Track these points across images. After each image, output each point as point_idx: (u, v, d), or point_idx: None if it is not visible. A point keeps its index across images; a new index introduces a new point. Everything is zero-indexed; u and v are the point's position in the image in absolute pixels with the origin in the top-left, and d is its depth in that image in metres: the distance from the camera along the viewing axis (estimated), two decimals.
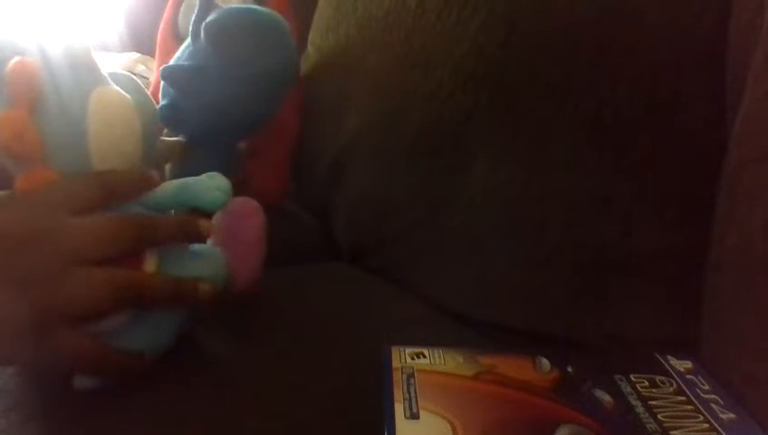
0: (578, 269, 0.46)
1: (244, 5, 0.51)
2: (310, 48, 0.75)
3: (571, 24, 0.46)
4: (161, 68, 0.50)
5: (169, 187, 0.42)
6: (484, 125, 0.51)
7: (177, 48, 0.61)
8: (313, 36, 0.75)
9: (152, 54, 0.95)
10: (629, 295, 0.44)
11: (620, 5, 0.45)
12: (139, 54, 0.92)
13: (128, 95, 0.41)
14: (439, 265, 0.54)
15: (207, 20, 0.48)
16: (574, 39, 0.46)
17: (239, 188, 0.45)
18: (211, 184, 0.42)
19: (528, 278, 0.48)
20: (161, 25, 0.72)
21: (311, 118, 0.70)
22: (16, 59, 0.37)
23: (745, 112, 0.34)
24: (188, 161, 0.54)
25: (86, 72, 0.39)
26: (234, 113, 0.51)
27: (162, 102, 0.52)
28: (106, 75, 0.41)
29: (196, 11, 0.51)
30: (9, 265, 0.33)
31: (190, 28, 0.51)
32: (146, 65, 0.87)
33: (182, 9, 0.68)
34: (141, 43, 1.05)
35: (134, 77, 0.45)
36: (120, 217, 0.38)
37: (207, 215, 0.44)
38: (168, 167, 0.56)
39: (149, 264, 0.39)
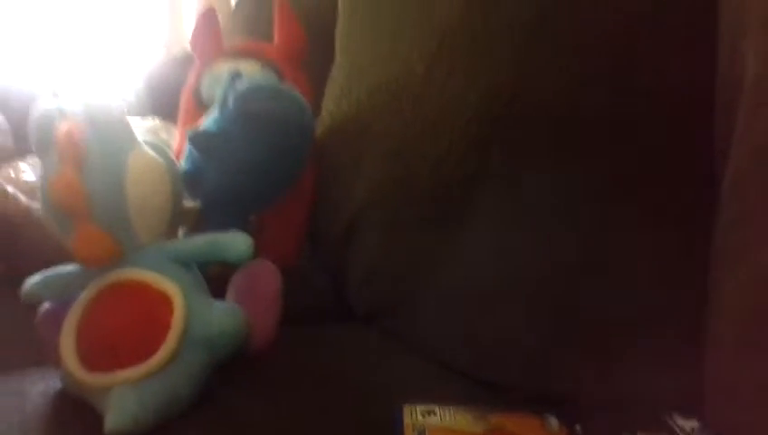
0: (582, 328, 0.47)
1: (268, 81, 0.54)
2: (324, 113, 0.78)
3: (571, 94, 0.49)
4: (189, 132, 0.54)
5: (198, 240, 0.46)
6: (491, 188, 0.53)
7: (200, 115, 0.64)
8: (327, 102, 0.78)
9: (171, 119, 1.00)
10: (634, 353, 0.44)
11: (618, 63, 0.48)
12: (159, 120, 0.96)
13: (160, 158, 0.45)
14: (448, 324, 0.55)
15: (237, 91, 0.52)
16: (574, 105, 0.49)
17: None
18: (237, 239, 0.45)
19: (534, 338, 0.49)
20: (184, 93, 0.76)
21: (325, 181, 0.72)
22: (66, 124, 0.40)
23: (732, 172, 0.36)
24: (201, 228, 0.57)
25: (124, 137, 0.43)
26: (252, 181, 0.54)
27: (185, 166, 0.55)
28: (140, 140, 0.45)
29: (226, 82, 0.55)
30: None
31: (219, 97, 0.55)
32: (167, 131, 0.92)
33: (204, 79, 0.72)
34: (161, 107, 1.10)
35: (162, 143, 0.49)
36: None
37: (232, 268, 0.46)
38: (180, 232, 0.59)
39: (177, 317, 0.41)
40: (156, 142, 0.49)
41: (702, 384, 0.39)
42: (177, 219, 0.51)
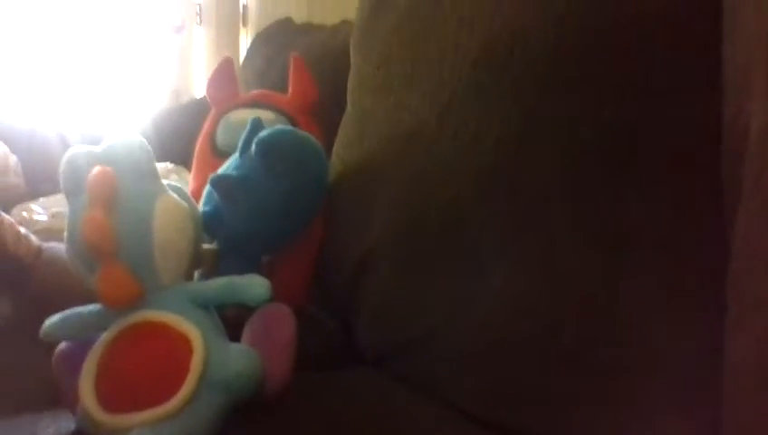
0: (593, 372, 0.47)
1: (288, 127, 0.57)
2: (334, 159, 0.80)
3: (576, 141, 0.51)
4: (211, 177, 0.55)
5: (217, 283, 0.47)
6: (501, 234, 0.54)
7: (215, 162, 0.66)
8: (338, 148, 0.80)
9: (182, 164, 1.02)
10: (646, 398, 0.45)
11: (620, 124, 0.50)
12: (172, 165, 0.98)
13: (183, 202, 0.46)
14: (458, 368, 0.55)
15: (259, 136, 0.54)
16: (579, 153, 0.51)
17: None
18: (255, 282, 0.45)
19: (545, 382, 0.49)
20: (199, 140, 0.78)
21: (335, 224, 0.74)
22: (97, 168, 0.42)
23: (742, 225, 0.37)
24: (216, 270, 0.58)
25: (152, 181, 0.45)
26: (269, 225, 0.55)
27: (205, 208, 0.56)
28: (165, 184, 0.47)
29: (247, 129, 0.57)
30: None
31: (240, 143, 0.57)
32: (179, 175, 0.94)
33: (220, 126, 0.74)
34: (169, 152, 1.12)
35: (183, 188, 0.50)
36: None
37: (248, 310, 0.47)
38: (196, 274, 0.60)
39: (197, 360, 0.42)
40: (178, 186, 0.50)
41: (715, 432, 0.40)
42: (196, 262, 0.52)
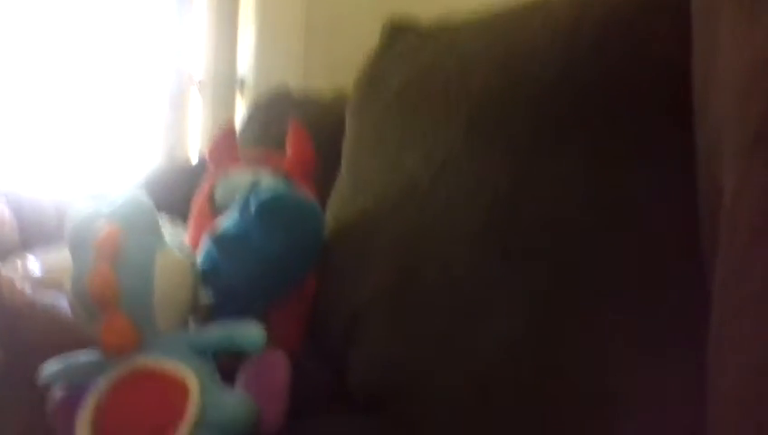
0: (580, 405, 0.48)
1: (286, 188, 0.59)
2: (328, 217, 0.82)
3: (562, 202, 0.54)
4: (213, 235, 0.58)
5: (215, 330, 0.48)
6: (492, 291, 0.56)
7: (212, 219, 0.69)
8: (332, 208, 0.82)
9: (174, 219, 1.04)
10: (630, 429, 0.46)
11: (604, 185, 0.53)
12: (166, 217, 1.00)
13: (182, 256, 0.48)
14: (453, 415, 0.56)
15: (258, 199, 0.57)
16: (566, 214, 0.54)
17: None
18: (252, 330, 0.47)
19: (538, 424, 0.50)
20: (198, 196, 0.81)
21: (328, 278, 0.75)
22: (105, 226, 0.44)
23: (719, 277, 0.39)
24: (212, 319, 0.59)
25: (155, 237, 0.47)
26: (265, 279, 0.57)
27: (204, 264, 0.58)
28: (166, 239, 0.49)
29: (246, 189, 0.60)
30: None
31: (239, 202, 0.60)
32: (172, 225, 0.95)
33: (219, 184, 0.77)
34: (161, 209, 1.14)
35: (185, 242, 0.52)
36: None
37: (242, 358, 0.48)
38: (192, 325, 0.61)
39: (192, 406, 0.42)
40: (179, 241, 0.53)
41: None
42: (193, 309, 0.53)
